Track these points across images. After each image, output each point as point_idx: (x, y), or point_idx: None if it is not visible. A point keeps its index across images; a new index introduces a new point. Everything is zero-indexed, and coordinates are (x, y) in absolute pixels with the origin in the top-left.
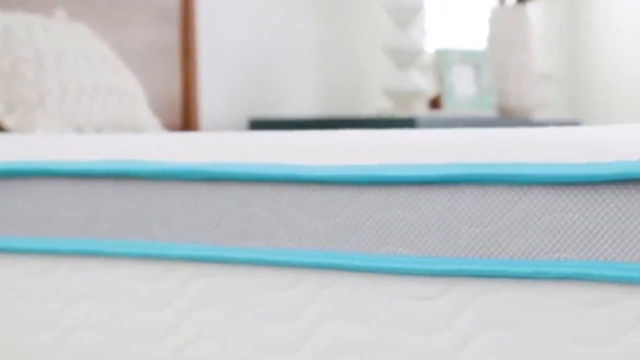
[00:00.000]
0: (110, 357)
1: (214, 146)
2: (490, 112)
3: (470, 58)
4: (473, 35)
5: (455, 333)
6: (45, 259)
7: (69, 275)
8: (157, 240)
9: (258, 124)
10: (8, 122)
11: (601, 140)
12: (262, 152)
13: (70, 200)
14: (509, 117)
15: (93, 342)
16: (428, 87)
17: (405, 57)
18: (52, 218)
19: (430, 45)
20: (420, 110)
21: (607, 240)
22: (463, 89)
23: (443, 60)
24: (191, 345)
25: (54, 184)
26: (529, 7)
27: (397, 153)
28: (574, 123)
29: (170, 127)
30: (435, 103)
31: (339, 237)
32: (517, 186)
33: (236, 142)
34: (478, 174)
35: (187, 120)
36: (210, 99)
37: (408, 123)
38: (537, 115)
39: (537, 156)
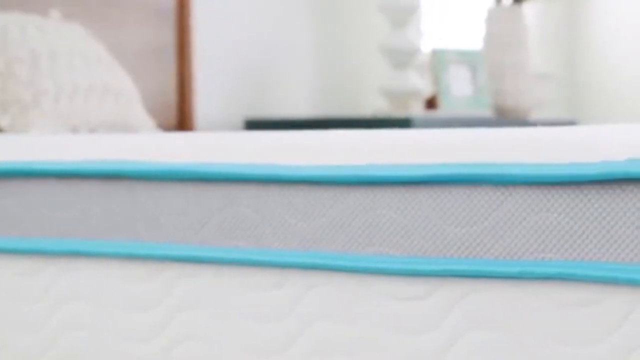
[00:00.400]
0: (99, 357)
1: (203, 146)
2: (487, 113)
3: (467, 58)
4: (469, 35)
5: (442, 333)
6: (35, 259)
7: (58, 276)
8: (144, 241)
9: (254, 124)
10: (2, 122)
11: (586, 141)
12: (250, 152)
13: (58, 201)
14: (505, 118)
15: (82, 342)
16: (424, 87)
17: (401, 57)
18: (41, 218)
19: (427, 45)
20: (417, 110)
21: (592, 241)
22: (459, 89)
23: (439, 60)
24: (179, 345)
25: (43, 184)
26: (526, 7)
27: (384, 153)
28: (571, 123)
29: (166, 127)
30: (431, 103)
31: (325, 237)
32: (503, 186)
33: (224, 143)
34: (464, 174)
35: (182, 121)
36: (206, 99)
37: (404, 123)
38: (534, 116)
39: (522, 156)
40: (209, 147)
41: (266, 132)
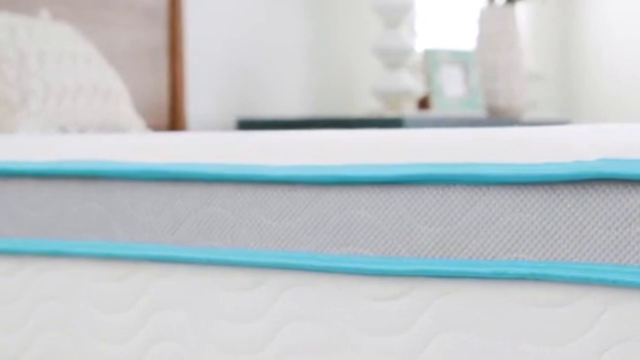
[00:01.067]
0: (76, 357)
1: (180, 147)
2: (479, 113)
3: (459, 58)
4: (462, 35)
5: (416, 333)
6: (10, 260)
7: (34, 276)
8: (120, 241)
9: (246, 124)
10: None
11: (559, 141)
12: (226, 153)
13: (34, 201)
14: (498, 118)
15: (58, 342)
16: (417, 87)
17: (394, 57)
18: (16, 218)
19: (419, 45)
20: (409, 110)
21: (564, 241)
22: (452, 89)
23: (432, 60)
24: (154, 345)
25: (19, 184)
26: (518, 7)
27: (360, 153)
28: (564, 123)
29: (158, 127)
30: (424, 103)
31: (300, 238)
32: (476, 186)
33: (202, 143)
34: (437, 174)
35: (174, 121)
36: (198, 99)
37: (396, 123)
38: (528, 116)
39: (495, 156)
40: (186, 147)
41: (244, 132)
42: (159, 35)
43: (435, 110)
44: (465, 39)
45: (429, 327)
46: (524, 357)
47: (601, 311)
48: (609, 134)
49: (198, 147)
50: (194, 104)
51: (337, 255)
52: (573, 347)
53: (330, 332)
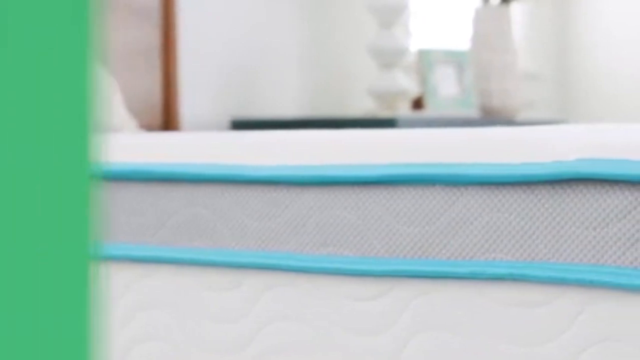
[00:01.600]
0: None
1: (162, 147)
2: (473, 113)
3: (453, 58)
4: (457, 35)
5: (396, 333)
6: None
7: None
8: (103, 241)
9: (241, 125)
10: None
11: (537, 140)
12: (208, 153)
13: None
14: (492, 118)
15: None
16: (411, 87)
17: (389, 57)
18: None
19: (414, 45)
20: (403, 110)
21: (542, 241)
22: (446, 89)
23: (426, 61)
24: (137, 345)
25: None
26: (513, 7)
27: (340, 153)
28: (560, 123)
29: (151, 127)
30: (418, 103)
31: (280, 238)
32: (455, 186)
33: (185, 143)
34: (416, 174)
35: (168, 121)
36: (191, 99)
37: (389, 123)
38: (523, 116)
39: (474, 156)
40: (170, 147)
41: (229, 132)
42: (153, 35)
43: (430, 111)
44: (460, 39)
45: (408, 327)
46: (503, 356)
47: (579, 311)
48: (590, 134)
49: (182, 148)
50: (188, 104)
51: (317, 255)
52: (551, 347)
53: (311, 332)
